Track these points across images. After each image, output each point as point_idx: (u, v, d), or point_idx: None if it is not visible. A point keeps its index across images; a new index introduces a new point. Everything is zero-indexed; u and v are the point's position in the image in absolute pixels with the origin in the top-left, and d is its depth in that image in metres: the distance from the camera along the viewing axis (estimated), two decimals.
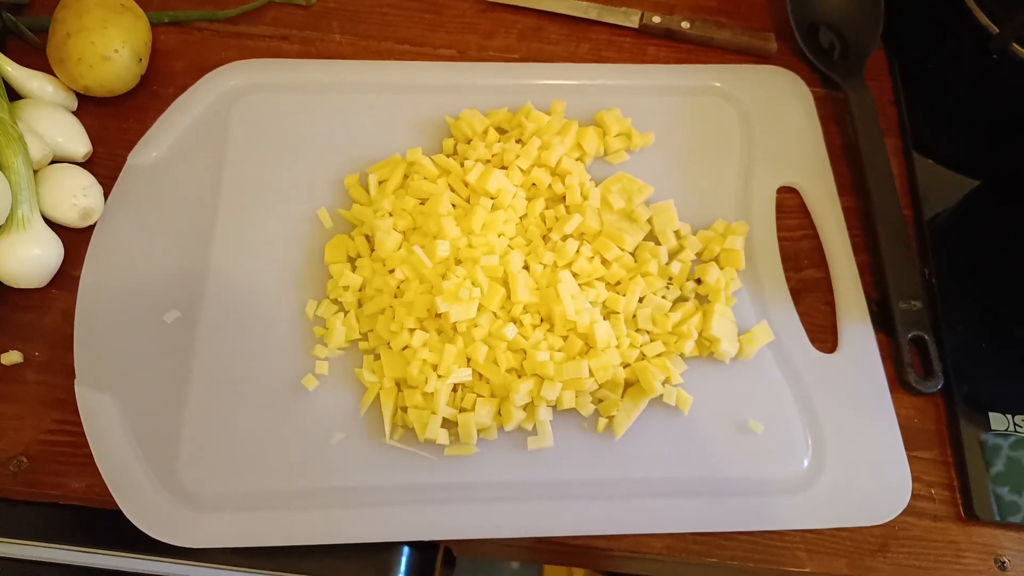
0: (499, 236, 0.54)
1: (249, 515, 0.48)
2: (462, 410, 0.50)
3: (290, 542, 0.47)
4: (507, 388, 0.49)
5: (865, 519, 0.49)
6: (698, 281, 0.55)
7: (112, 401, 0.50)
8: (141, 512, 0.47)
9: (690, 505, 0.49)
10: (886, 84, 0.67)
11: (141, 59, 0.60)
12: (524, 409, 0.50)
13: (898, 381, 0.54)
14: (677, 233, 0.57)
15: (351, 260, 0.55)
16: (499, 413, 0.50)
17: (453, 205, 0.55)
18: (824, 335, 0.55)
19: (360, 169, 0.59)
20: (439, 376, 0.49)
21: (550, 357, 0.50)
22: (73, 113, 0.60)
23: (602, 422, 0.51)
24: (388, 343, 0.51)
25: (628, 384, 0.51)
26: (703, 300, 0.55)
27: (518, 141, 0.59)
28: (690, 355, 0.53)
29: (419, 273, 0.52)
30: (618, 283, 0.54)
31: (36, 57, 0.61)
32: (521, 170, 0.57)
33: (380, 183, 0.58)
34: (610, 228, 0.55)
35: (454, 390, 0.50)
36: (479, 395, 0.50)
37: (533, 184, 0.57)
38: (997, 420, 0.53)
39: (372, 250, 0.55)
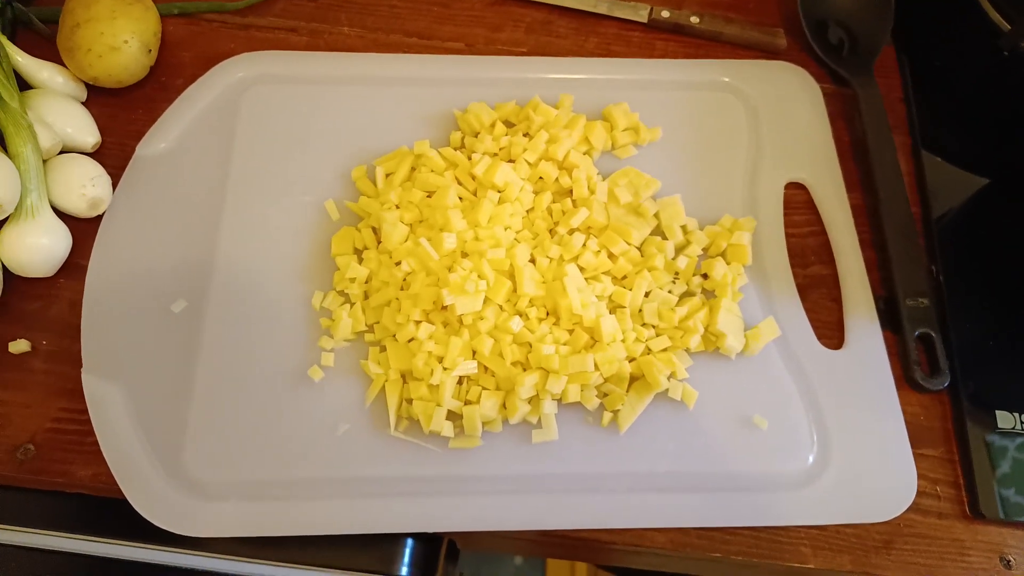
0: (506, 229, 0.54)
1: (254, 505, 0.48)
2: (467, 402, 0.50)
3: (294, 532, 0.47)
4: (512, 381, 0.49)
5: (870, 516, 0.49)
6: (704, 276, 0.55)
7: (119, 390, 0.50)
8: (146, 501, 0.47)
9: (694, 500, 0.49)
10: (895, 81, 0.66)
11: (150, 50, 0.60)
12: (529, 402, 0.50)
13: (904, 378, 0.54)
14: (684, 228, 0.56)
15: (358, 252, 0.55)
16: (504, 406, 0.50)
17: (460, 198, 0.55)
18: (831, 331, 0.55)
19: (367, 161, 0.59)
20: (444, 368, 0.49)
21: (556, 350, 0.50)
22: (82, 103, 0.60)
23: (607, 416, 0.51)
24: (394, 335, 0.51)
25: (633, 378, 0.51)
26: (709, 295, 0.55)
27: (525, 135, 0.58)
28: (696, 350, 0.53)
29: (425, 265, 0.52)
30: (624, 277, 0.54)
31: (46, 47, 0.61)
32: (528, 163, 0.57)
33: (387, 175, 0.58)
34: (617, 222, 0.55)
35: (459, 382, 0.50)
36: (484, 388, 0.50)
37: (540, 178, 0.57)
38: (1004, 418, 0.52)
39: (379, 242, 0.55)
